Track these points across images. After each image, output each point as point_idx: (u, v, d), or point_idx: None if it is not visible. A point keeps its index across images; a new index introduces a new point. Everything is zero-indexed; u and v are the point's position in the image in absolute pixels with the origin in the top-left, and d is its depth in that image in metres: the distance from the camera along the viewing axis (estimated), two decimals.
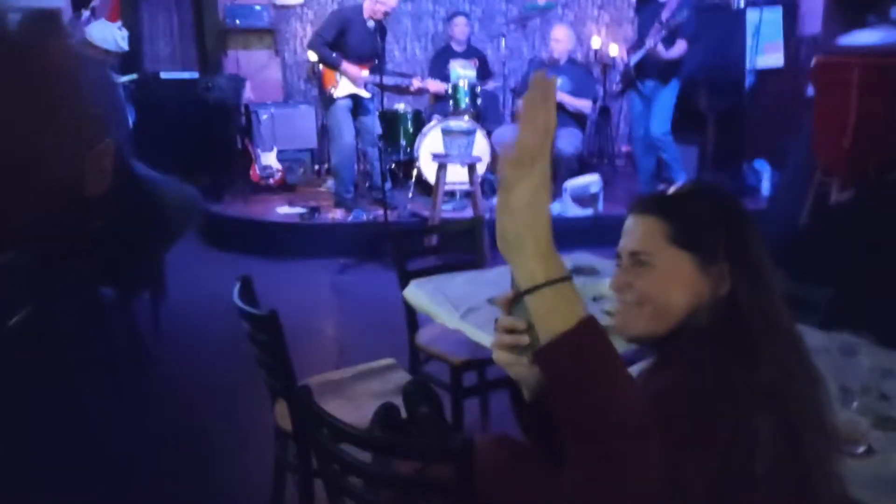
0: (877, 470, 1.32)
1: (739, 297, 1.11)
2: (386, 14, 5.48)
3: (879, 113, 4.33)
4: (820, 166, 4.63)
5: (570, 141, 5.75)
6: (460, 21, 6.39)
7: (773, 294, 1.13)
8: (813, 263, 2.95)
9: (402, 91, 6.32)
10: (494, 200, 4.19)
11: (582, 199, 5.53)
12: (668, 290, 1.13)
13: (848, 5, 5.23)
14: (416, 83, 6.11)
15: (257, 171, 6.43)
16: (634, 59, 5.55)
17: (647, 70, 5.54)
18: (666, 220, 1.16)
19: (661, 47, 5.29)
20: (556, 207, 5.63)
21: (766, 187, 5.96)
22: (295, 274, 5.06)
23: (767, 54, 6.25)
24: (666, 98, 5.57)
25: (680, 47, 5.34)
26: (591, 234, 4.82)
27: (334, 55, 5.45)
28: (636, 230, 1.18)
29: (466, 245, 3.04)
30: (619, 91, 5.92)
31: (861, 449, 1.37)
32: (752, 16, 6.23)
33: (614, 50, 7.02)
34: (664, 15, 5.32)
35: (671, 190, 1.20)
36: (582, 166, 6.12)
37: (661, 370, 1.14)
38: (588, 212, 5.52)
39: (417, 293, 2.41)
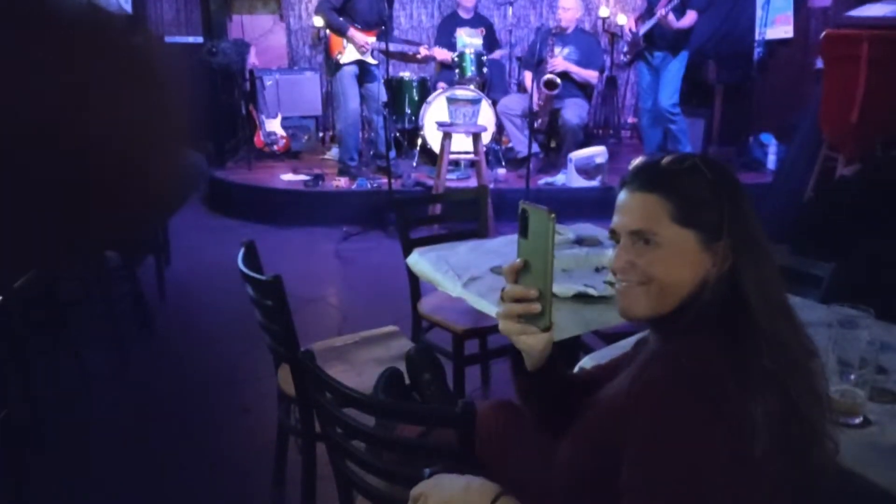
0: (873, 441, 1.34)
1: (741, 273, 1.10)
2: None
3: (887, 87, 4.30)
4: (826, 140, 4.61)
5: (575, 111, 5.71)
6: None
7: (773, 270, 1.13)
8: (816, 237, 2.95)
9: (408, 59, 6.28)
10: (499, 171, 4.19)
11: (587, 170, 5.51)
12: (673, 269, 1.12)
13: None
14: (423, 51, 6.07)
15: (262, 138, 6.41)
16: (644, 28, 5.50)
17: (657, 40, 5.49)
18: (666, 197, 1.13)
19: (671, 17, 5.23)
20: (560, 178, 5.62)
21: (771, 161, 5.94)
22: (299, 241, 5.07)
23: (777, 26, 6.19)
24: (675, 69, 5.52)
25: (690, 17, 5.29)
26: (596, 205, 4.81)
27: (342, 20, 5.41)
28: (636, 208, 1.15)
29: (470, 214, 3.05)
30: (627, 61, 5.87)
31: (857, 420, 1.39)
32: None
33: (622, 19, 6.95)
34: None
35: (666, 163, 1.17)
36: (587, 137, 6.09)
37: (663, 352, 1.14)
38: (593, 183, 5.51)
39: (420, 261, 2.41)
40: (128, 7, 5.00)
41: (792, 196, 4.48)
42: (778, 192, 4.79)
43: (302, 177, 5.74)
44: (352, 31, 5.42)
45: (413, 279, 2.82)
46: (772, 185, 5.21)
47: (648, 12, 5.51)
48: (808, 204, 4.19)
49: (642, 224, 1.14)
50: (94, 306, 3.39)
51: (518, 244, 1.17)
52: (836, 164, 4.28)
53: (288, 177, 5.82)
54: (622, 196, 1.18)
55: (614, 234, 1.19)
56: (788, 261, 2.12)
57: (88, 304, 3.39)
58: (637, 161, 1.21)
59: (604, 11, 7.06)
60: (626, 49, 5.74)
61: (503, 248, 2.48)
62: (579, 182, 5.51)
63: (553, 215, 1.11)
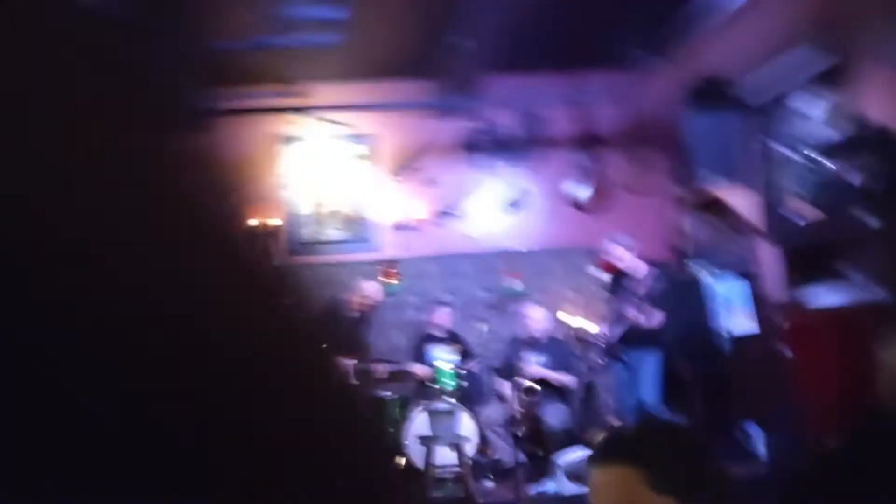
0: None
1: None
2: (372, 307, 5.78)
3: (862, 365, 4.37)
4: (811, 423, 4.56)
5: (556, 415, 5.70)
6: (443, 311, 6.63)
7: None
8: None
9: (388, 379, 6.38)
10: (487, 483, 4.07)
11: (577, 475, 5.34)
12: None
13: (803, 272, 5.53)
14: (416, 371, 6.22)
15: None
16: (617, 332, 5.71)
17: (630, 341, 5.67)
18: (639, 466, 1.08)
19: (641, 318, 5.48)
20: (551, 486, 5.42)
21: (761, 451, 5.81)
22: None
23: (740, 321, 6.44)
24: (651, 366, 5.65)
25: (658, 316, 5.54)
26: None
27: None
28: (611, 482, 1.10)
29: None
30: (603, 365, 6.01)
31: None
32: (719, 287, 6.53)
33: (593, 328, 7.23)
34: (640, 289, 5.58)
35: (629, 432, 1.15)
36: (572, 440, 5.98)
37: None
38: (584, 488, 5.29)
39: None
40: None
41: (789, 483, 4.31)
42: (774, 481, 4.62)
43: None
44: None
45: None
46: (767, 476, 5.05)
47: (618, 317, 5.76)
48: (810, 485, 4.03)
49: (622, 499, 1.08)
50: None
51: None
52: (826, 441, 4.19)
53: None
54: (593, 476, 1.14)
55: None
56: None
57: None
58: (600, 437, 1.19)
59: (574, 321, 7.36)
60: (601, 354, 5.91)
61: None
62: (572, 488, 5.30)
63: None
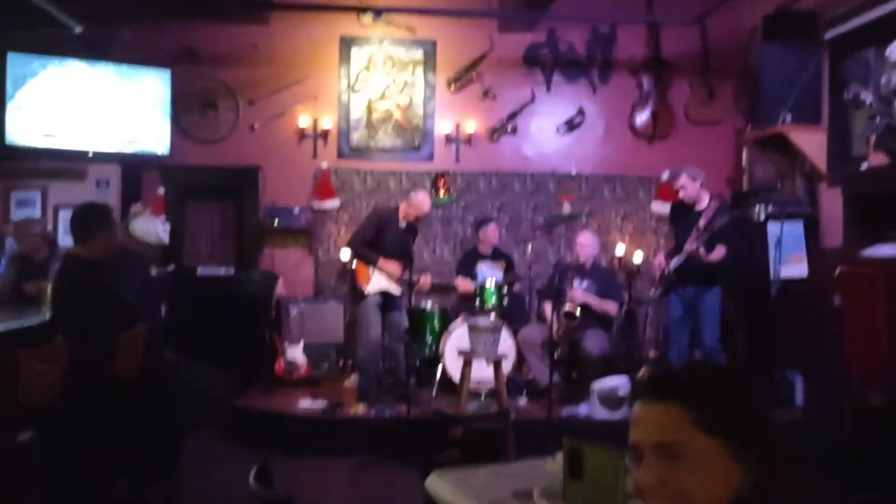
0: None
1: (771, 482, 1.04)
2: (418, 218, 5.80)
3: None
4: (854, 375, 4.53)
5: (596, 342, 5.74)
6: (490, 227, 6.63)
7: (799, 474, 1.07)
8: (860, 470, 2.81)
9: (439, 290, 6.48)
10: (521, 400, 4.16)
11: (610, 401, 5.42)
12: (708, 484, 1.04)
13: (867, 221, 5.38)
14: (460, 285, 6.27)
15: (283, 365, 6.43)
16: (674, 263, 5.65)
17: (688, 275, 5.61)
18: (688, 405, 1.07)
19: (702, 251, 5.40)
20: (583, 409, 5.52)
21: (799, 397, 5.81)
22: (315, 470, 4.89)
23: (791, 265, 6.34)
24: (712, 305, 5.60)
25: (719, 252, 5.47)
26: (619, 437, 4.65)
27: (371, 253, 5.66)
28: (656, 419, 1.09)
29: (491, 438, 2.95)
30: (658, 295, 5.98)
31: None
32: (773, 228, 6.40)
33: (638, 257, 7.18)
34: (702, 221, 5.48)
35: (680, 371, 1.14)
36: (609, 368, 6.05)
37: None
38: (616, 414, 5.38)
39: (439, 483, 2.31)
40: (165, 238, 5.25)
41: (827, 431, 4.34)
42: (812, 428, 4.65)
43: (320, 403, 5.67)
44: (381, 262, 5.64)
45: None
46: (803, 421, 5.07)
47: (677, 249, 5.68)
48: (846, 438, 4.05)
49: (667, 436, 1.07)
50: None
51: (565, 487, 1.06)
52: (868, 396, 4.17)
53: (306, 403, 5.74)
54: (639, 408, 1.13)
55: (635, 450, 1.12)
56: (837, 495, 2.01)
57: None
58: (649, 371, 1.17)
59: (620, 249, 7.32)
60: (657, 284, 5.87)
61: (526, 471, 2.37)
62: (602, 413, 5.39)
63: (625, 457, 1.03)
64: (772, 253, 6.33)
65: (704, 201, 5.64)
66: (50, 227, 6.53)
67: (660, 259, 5.86)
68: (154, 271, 5.20)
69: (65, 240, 5.72)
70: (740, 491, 1.04)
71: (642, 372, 1.14)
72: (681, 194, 5.73)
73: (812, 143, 6.13)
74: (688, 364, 1.14)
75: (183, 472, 4.37)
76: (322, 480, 4.73)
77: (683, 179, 5.67)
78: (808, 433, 4.58)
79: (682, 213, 5.80)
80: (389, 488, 4.60)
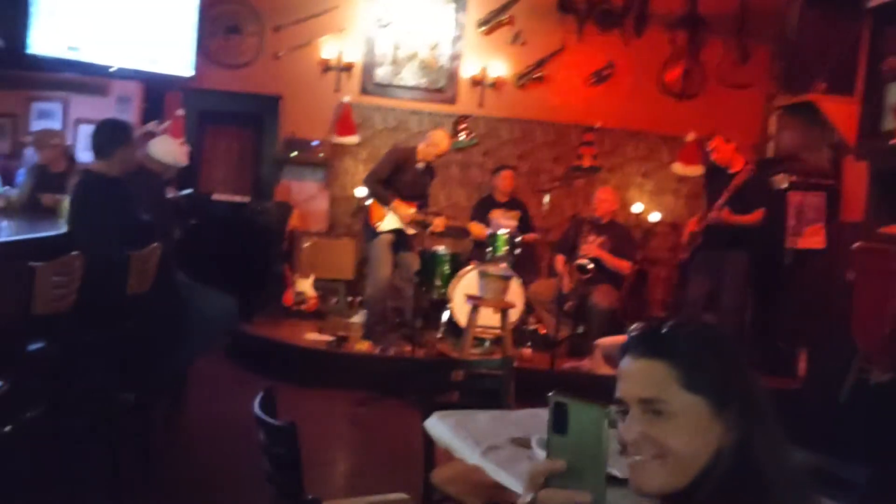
0: None
1: (753, 441, 1.06)
2: (437, 157, 5.75)
3: None
4: (860, 350, 4.54)
5: (605, 297, 5.75)
6: (507, 174, 6.58)
7: (783, 438, 1.09)
8: (852, 441, 2.84)
9: (444, 233, 6.45)
10: (524, 350, 4.17)
11: (612, 359, 5.44)
12: (689, 440, 1.07)
13: (891, 198, 5.31)
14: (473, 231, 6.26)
15: (292, 296, 6.49)
16: (704, 224, 5.61)
17: (715, 238, 5.57)
18: (673, 363, 1.09)
19: (726, 211, 5.35)
20: (586, 363, 5.56)
21: (800, 368, 5.83)
22: (316, 401, 4.97)
23: (808, 236, 6.29)
24: (734, 269, 5.56)
25: (755, 214, 5.43)
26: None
27: (386, 192, 5.63)
28: (642, 374, 1.11)
29: (493, 384, 2.98)
30: (685, 258, 5.94)
31: None
32: (794, 198, 6.33)
33: (655, 217, 7.14)
34: (732, 184, 5.42)
35: (668, 328, 1.14)
36: (617, 325, 6.07)
37: None
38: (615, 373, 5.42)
39: (438, 425, 2.34)
40: (184, 160, 5.23)
41: (825, 403, 4.36)
42: (809, 399, 4.67)
43: (326, 337, 5.73)
44: (395, 203, 5.62)
45: (428, 447, 2.72)
46: (802, 391, 5.10)
47: (708, 210, 5.62)
48: (843, 408, 4.08)
49: (652, 392, 1.09)
50: (100, 446, 3.30)
51: (549, 441, 1.04)
52: (871, 371, 4.19)
53: (312, 336, 5.81)
54: (626, 362, 1.14)
55: (621, 403, 1.14)
56: (824, 463, 2.02)
57: (94, 444, 3.30)
58: (638, 326, 1.18)
59: (637, 207, 7.27)
60: (686, 245, 5.84)
61: (526, 420, 2.40)
62: (605, 370, 5.43)
63: (609, 412, 1.02)
64: (790, 222, 6.28)
65: (738, 164, 5.55)
66: (70, 141, 6.53)
67: (691, 226, 5.80)
68: (171, 194, 5.21)
69: (83, 155, 5.72)
70: (720, 449, 1.07)
71: (633, 327, 1.16)
72: (713, 156, 5.65)
73: (843, 113, 6.01)
74: (676, 322, 1.14)
75: (189, 391, 4.47)
76: (324, 412, 4.81)
77: (717, 141, 5.58)
78: (805, 402, 4.60)
79: (715, 176, 5.73)
80: (389, 425, 4.68)
